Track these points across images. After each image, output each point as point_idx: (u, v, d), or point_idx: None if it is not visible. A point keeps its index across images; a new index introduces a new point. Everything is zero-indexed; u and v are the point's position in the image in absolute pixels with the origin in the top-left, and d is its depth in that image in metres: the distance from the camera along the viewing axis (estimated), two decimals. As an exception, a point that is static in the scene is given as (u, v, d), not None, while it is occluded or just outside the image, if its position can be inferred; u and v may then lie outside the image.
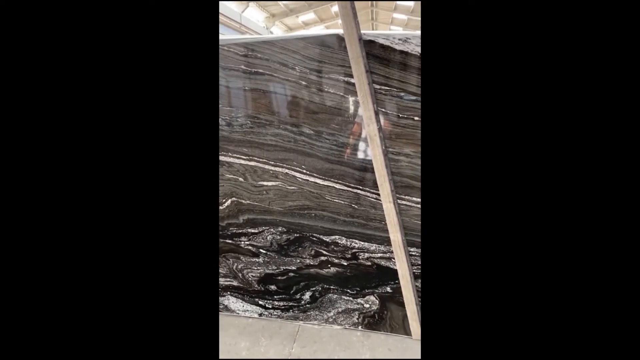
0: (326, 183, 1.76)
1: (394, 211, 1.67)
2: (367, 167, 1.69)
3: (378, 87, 1.55)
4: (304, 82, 1.64)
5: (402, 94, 1.55)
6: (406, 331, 1.88)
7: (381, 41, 1.49)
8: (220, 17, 10.23)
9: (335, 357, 1.79)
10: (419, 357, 1.77)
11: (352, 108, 1.64)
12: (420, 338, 1.86)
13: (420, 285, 1.80)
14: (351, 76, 1.54)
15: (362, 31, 1.47)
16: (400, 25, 16.17)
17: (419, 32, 1.48)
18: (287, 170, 1.79)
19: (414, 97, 1.54)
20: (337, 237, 1.84)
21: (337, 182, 1.75)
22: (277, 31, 14.49)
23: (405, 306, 1.83)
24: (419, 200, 1.67)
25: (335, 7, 13.37)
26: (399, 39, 1.48)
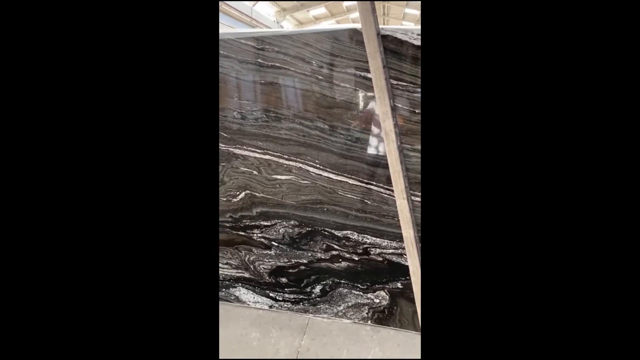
0: (339, 178, 1.77)
1: (407, 207, 1.67)
2: (380, 163, 1.69)
3: (394, 82, 1.54)
4: (319, 77, 1.64)
5: (418, 89, 1.54)
6: (415, 327, 1.89)
7: (399, 36, 1.48)
8: (232, 10, 10.23)
9: (345, 350, 1.81)
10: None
11: (367, 103, 1.64)
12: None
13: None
14: (367, 71, 1.54)
15: (380, 26, 1.46)
16: (412, 21, 15.97)
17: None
18: (300, 165, 1.80)
19: (430, 93, 1.53)
20: (348, 232, 1.85)
21: (350, 177, 1.76)
22: (288, 25, 14.43)
23: (416, 302, 1.83)
24: (433, 197, 1.67)
25: (346, 2, 13.26)
26: (417, 34, 1.47)
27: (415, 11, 14.33)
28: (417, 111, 1.57)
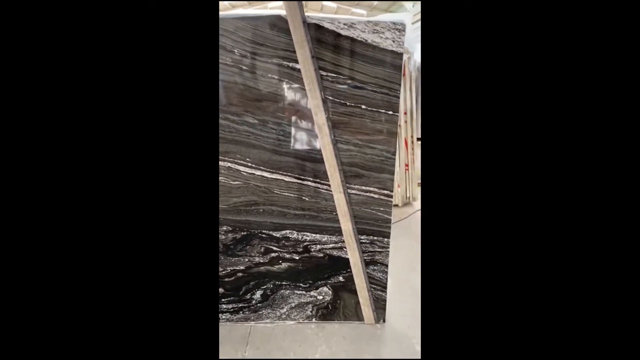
0: (274, 176, 1.67)
1: (344, 201, 1.66)
2: (316, 158, 1.64)
3: (325, 74, 1.49)
4: (244, 67, 1.50)
5: (349, 81, 1.51)
6: (359, 317, 1.92)
7: (326, 25, 1.42)
8: None
9: (291, 353, 1.74)
10: (372, 340, 1.83)
11: (297, 95, 1.56)
12: (372, 322, 1.92)
13: (370, 272, 1.84)
14: (296, 61, 1.45)
15: (307, 14, 1.38)
16: (330, 13, 16.28)
17: (365, 19, 1.46)
18: (229, 164, 1.64)
19: (360, 85, 1.52)
20: (287, 231, 1.77)
21: (285, 175, 1.67)
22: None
23: (358, 293, 1.86)
24: (369, 188, 1.68)
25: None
26: (344, 24, 1.43)
27: (332, 4, 14.59)
28: (347, 103, 1.54)
